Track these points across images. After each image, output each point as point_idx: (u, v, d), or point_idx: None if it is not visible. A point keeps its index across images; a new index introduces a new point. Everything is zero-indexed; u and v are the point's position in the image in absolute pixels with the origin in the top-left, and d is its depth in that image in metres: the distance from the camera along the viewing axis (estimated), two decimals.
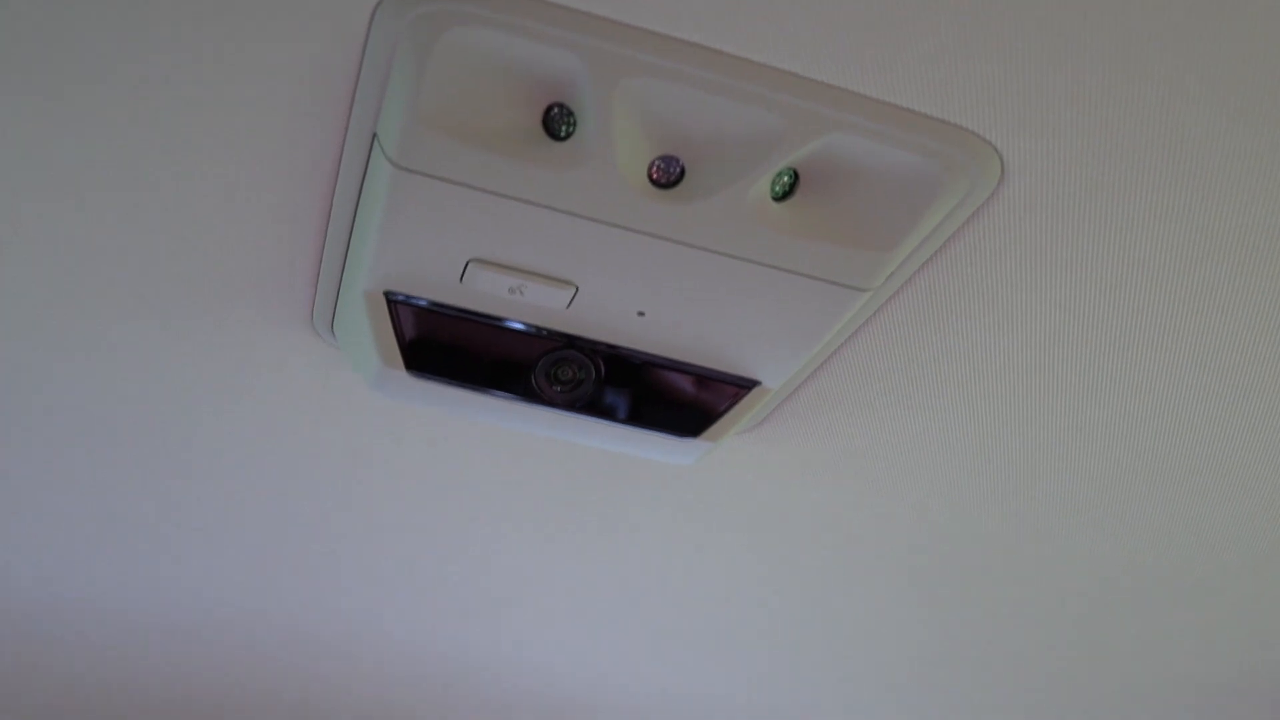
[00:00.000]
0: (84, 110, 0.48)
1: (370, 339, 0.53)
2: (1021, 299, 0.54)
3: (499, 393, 0.56)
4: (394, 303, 0.52)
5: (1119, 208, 0.48)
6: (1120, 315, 0.54)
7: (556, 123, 0.45)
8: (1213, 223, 0.49)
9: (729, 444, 0.65)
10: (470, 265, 0.50)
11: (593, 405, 0.57)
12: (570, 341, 0.55)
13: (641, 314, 0.53)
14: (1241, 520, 0.69)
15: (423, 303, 0.52)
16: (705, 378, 0.56)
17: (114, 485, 0.73)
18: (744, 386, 0.57)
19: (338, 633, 0.90)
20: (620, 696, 0.96)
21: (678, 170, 0.47)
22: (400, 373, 0.54)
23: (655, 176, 0.47)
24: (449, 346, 0.54)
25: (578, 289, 0.51)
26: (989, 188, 0.47)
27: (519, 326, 0.54)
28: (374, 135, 0.46)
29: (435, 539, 0.77)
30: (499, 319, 0.53)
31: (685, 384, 0.56)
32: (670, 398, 0.57)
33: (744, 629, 0.85)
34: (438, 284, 0.51)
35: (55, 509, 0.76)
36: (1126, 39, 0.41)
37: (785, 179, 0.47)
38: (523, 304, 0.52)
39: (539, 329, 0.54)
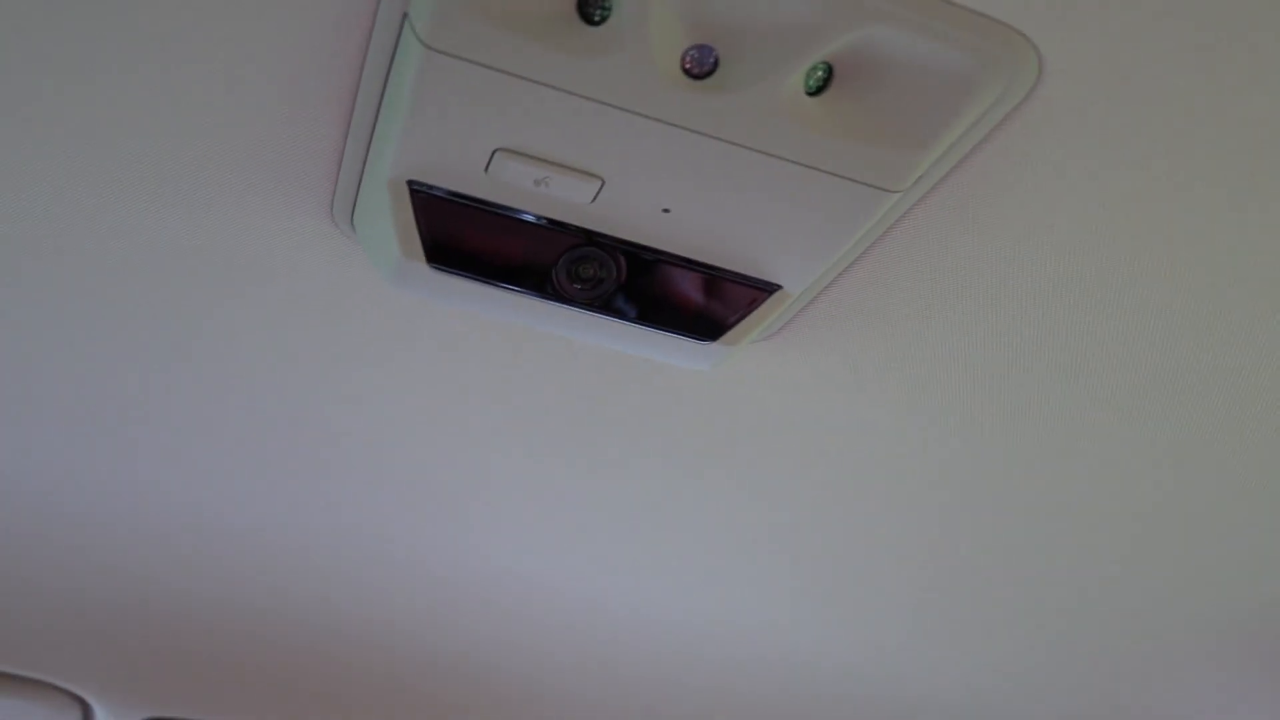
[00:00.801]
0: None
1: (391, 229, 0.53)
2: (1051, 208, 0.53)
3: (519, 289, 0.55)
4: (417, 192, 0.52)
5: (1160, 116, 0.48)
6: (1155, 229, 0.54)
7: (591, 7, 0.45)
8: (1266, 141, 0.48)
9: (745, 352, 0.65)
10: (496, 155, 0.50)
11: (612, 304, 0.56)
12: (593, 238, 0.54)
13: (666, 211, 0.52)
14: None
15: (446, 193, 0.52)
16: (726, 280, 0.56)
17: (113, 373, 0.73)
18: (765, 290, 0.56)
19: (336, 540, 0.91)
20: (624, 608, 0.97)
21: (712, 61, 0.46)
22: (420, 265, 0.54)
23: (688, 66, 0.46)
24: (471, 240, 0.54)
25: (604, 182, 0.51)
26: (1025, 88, 0.46)
27: (542, 221, 0.53)
28: (405, 15, 0.46)
29: (441, 444, 0.77)
30: (522, 212, 0.53)
31: (706, 286, 0.56)
32: (690, 300, 0.57)
33: (751, 542, 0.85)
34: (462, 174, 0.51)
35: (49, 398, 0.76)
36: None
37: (820, 73, 0.47)
38: (547, 197, 0.52)
39: (562, 224, 0.54)
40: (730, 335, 0.58)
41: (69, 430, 0.79)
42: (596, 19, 0.45)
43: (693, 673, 1.06)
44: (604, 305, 0.56)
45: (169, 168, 0.56)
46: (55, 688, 1.09)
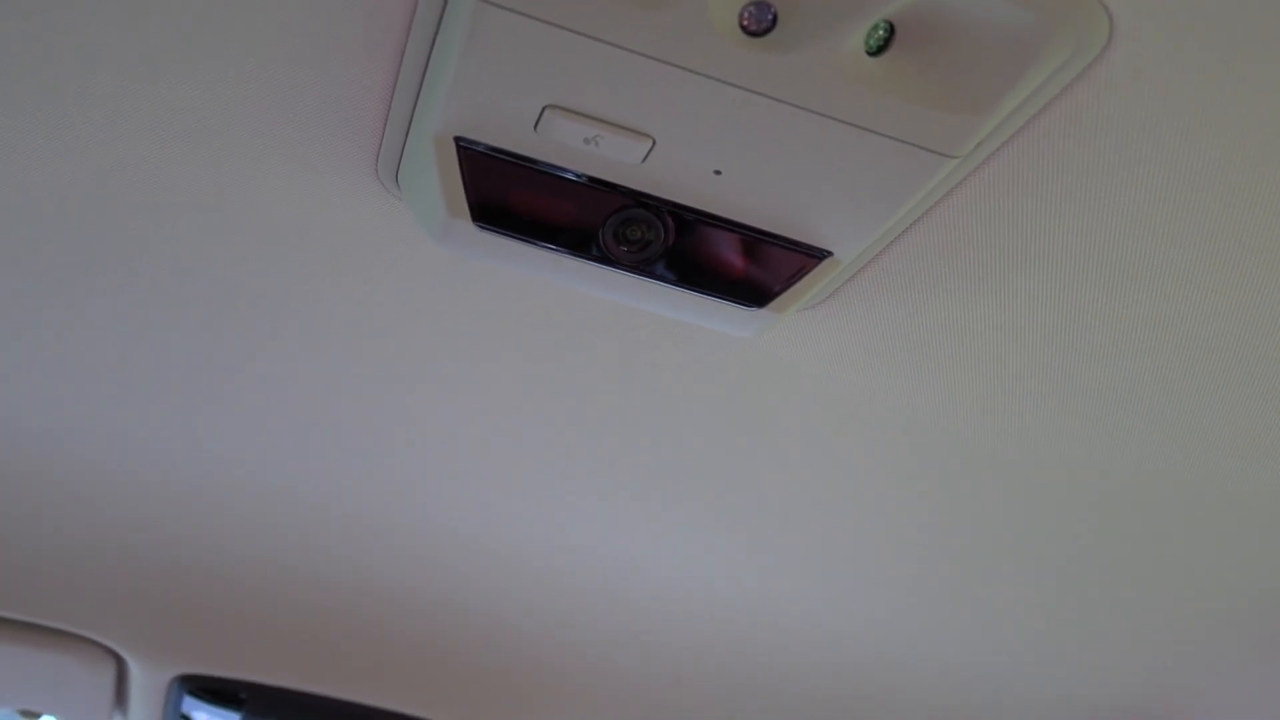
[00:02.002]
0: None
1: (437, 187, 0.52)
2: (1119, 179, 0.52)
3: (565, 250, 0.55)
4: (464, 149, 0.51)
5: (1239, 81, 0.46)
6: (1217, 207, 0.52)
7: None
8: None
9: (791, 319, 0.64)
10: (546, 112, 0.49)
11: (659, 268, 0.55)
12: (641, 199, 0.53)
13: (718, 172, 0.51)
14: None
15: (494, 151, 0.51)
16: (776, 245, 0.55)
17: (153, 330, 0.73)
18: (815, 256, 0.55)
19: (372, 501, 0.91)
20: (655, 572, 0.97)
21: (770, 17, 0.45)
22: (466, 224, 0.53)
23: (746, 23, 0.45)
24: (517, 199, 0.53)
25: (655, 142, 0.50)
26: (1094, 50, 0.45)
27: (590, 181, 0.52)
28: None
29: (479, 404, 0.77)
30: (571, 172, 0.52)
31: (755, 251, 0.55)
32: (738, 265, 0.56)
33: (789, 511, 0.84)
34: (511, 131, 0.50)
35: (89, 356, 0.76)
36: None
37: (880, 32, 0.46)
38: (596, 157, 0.51)
39: (611, 185, 0.53)
40: (778, 302, 0.57)
41: (109, 387, 0.79)
42: None
43: (722, 638, 1.06)
44: (650, 268, 0.56)
45: (211, 122, 0.56)
46: (90, 641, 1.10)
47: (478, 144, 0.51)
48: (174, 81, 0.53)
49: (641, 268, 0.55)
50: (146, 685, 1.12)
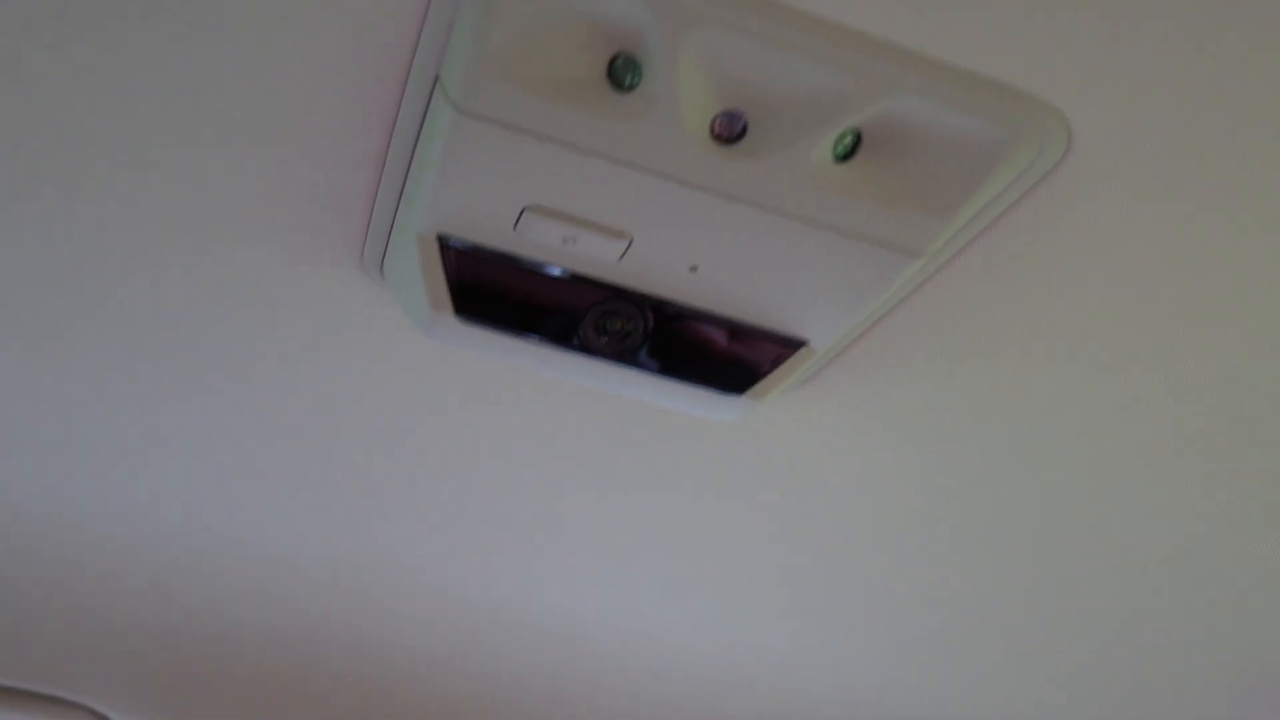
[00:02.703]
0: (144, 42, 0.47)
1: (420, 282, 0.53)
2: (1080, 270, 0.53)
3: (546, 341, 0.56)
4: (446, 247, 0.52)
5: (1193, 182, 0.48)
6: (1177, 295, 0.54)
7: (621, 73, 0.45)
8: None
9: (772, 401, 0.65)
10: (525, 213, 0.50)
11: (639, 357, 0.56)
12: (620, 293, 0.54)
13: (694, 269, 0.52)
14: None
15: (475, 248, 0.52)
16: (753, 336, 0.56)
17: (148, 411, 0.74)
18: (791, 346, 0.56)
19: (362, 568, 0.91)
20: (646, 648, 0.97)
21: (740, 126, 0.46)
22: (449, 317, 0.54)
23: (718, 131, 0.46)
24: (499, 293, 0.54)
25: (632, 241, 0.51)
26: (1055, 156, 0.46)
27: (570, 276, 0.54)
28: (436, 78, 0.46)
29: (472, 484, 0.77)
30: (550, 267, 0.53)
31: (733, 341, 0.56)
32: (717, 354, 0.57)
33: (774, 587, 0.85)
34: (491, 230, 0.51)
35: (84, 432, 0.77)
36: (1210, 4, 0.40)
37: (848, 139, 0.47)
38: (575, 254, 0.52)
39: (590, 279, 0.54)
40: (756, 389, 0.58)
41: (100, 456, 0.80)
42: (626, 84, 0.45)
43: (719, 700, 1.06)
44: (631, 358, 0.57)
45: (201, 211, 0.57)
46: (81, 707, 1.10)
47: (459, 241, 0.52)
48: (167, 172, 0.55)
49: (622, 357, 0.56)
50: None
